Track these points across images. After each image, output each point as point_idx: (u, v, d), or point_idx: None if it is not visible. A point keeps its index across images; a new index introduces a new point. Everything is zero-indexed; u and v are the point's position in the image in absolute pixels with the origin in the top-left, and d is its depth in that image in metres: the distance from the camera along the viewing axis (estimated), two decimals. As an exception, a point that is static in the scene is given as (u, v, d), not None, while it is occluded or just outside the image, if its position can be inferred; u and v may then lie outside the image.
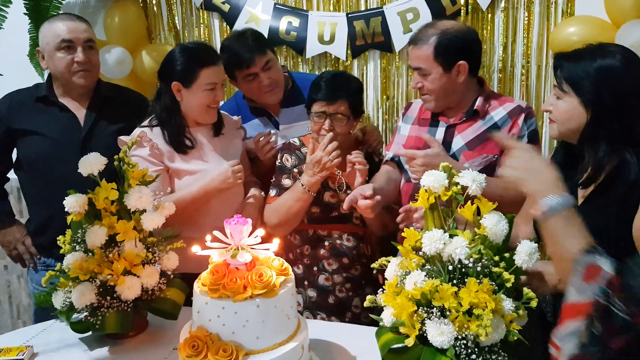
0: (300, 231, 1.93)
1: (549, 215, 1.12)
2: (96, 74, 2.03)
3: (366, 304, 1.32)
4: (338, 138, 1.80)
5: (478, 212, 1.20)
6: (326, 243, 1.91)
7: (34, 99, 2.00)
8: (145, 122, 1.88)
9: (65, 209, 1.48)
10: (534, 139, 1.75)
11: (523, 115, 1.73)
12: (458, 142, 1.78)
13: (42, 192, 2.00)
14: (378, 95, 2.49)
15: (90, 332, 1.48)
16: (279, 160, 1.97)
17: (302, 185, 1.82)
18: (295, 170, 1.92)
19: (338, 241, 1.91)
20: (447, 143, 1.79)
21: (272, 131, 2.10)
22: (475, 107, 1.76)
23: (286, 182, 1.93)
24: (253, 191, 1.98)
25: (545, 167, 1.17)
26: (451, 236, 1.18)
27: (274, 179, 1.95)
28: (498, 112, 1.76)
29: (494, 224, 1.16)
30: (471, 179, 1.18)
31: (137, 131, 1.85)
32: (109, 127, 2.00)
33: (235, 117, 2.06)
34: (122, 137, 1.81)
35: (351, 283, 1.90)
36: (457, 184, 1.20)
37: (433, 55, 1.69)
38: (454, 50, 1.69)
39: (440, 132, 1.82)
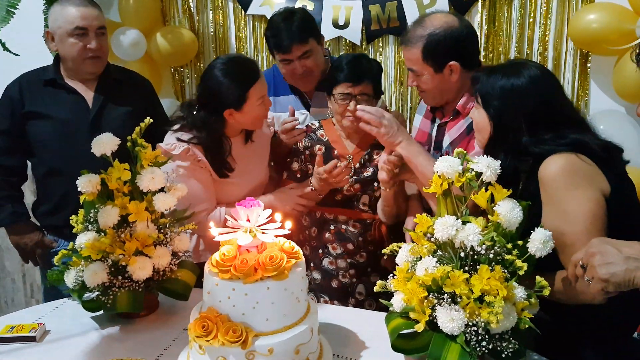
0: (310, 213, 1.94)
1: None
2: (106, 60, 2.03)
3: (376, 289, 1.32)
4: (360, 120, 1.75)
5: (492, 199, 1.19)
6: (332, 227, 1.91)
7: (43, 82, 2.00)
8: (180, 134, 1.76)
9: (78, 189, 1.49)
10: None
11: None
12: (446, 140, 1.75)
13: (52, 174, 2.02)
14: (391, 81, 2.46)
15: (101, 311, 1.50)
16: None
17: (312, 188, 1.85)
18: (307, 152, 1.93)
19: (343, 226, 1.91)
20: (438, 142, 1.78)
21: (302, 113, 2.09)
22: (456, 107, 1.71)
23: (294, 165, 1.94)
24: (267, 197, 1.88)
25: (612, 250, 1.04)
26: (464, 223, 1.17)
27: (289, 159, 1.96)
28: None
29: (507, 211, 1.14)
30: (486, 165, 1.16)
31: (172, 139, 1.76)
32: (117, 109, 2.01)
33: (269, 116, 2.01)
34: (162, 145, 1.73)
35: (355, 269, 1.91)
36: (471, 170, 1.19)
37: (422, 57, 1.65)
38: (443, 51, 1.63)
39: (435, 130, 1.82)
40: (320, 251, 1.93)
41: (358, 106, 1.75)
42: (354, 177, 1.88)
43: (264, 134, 1.97)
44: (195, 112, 1.77)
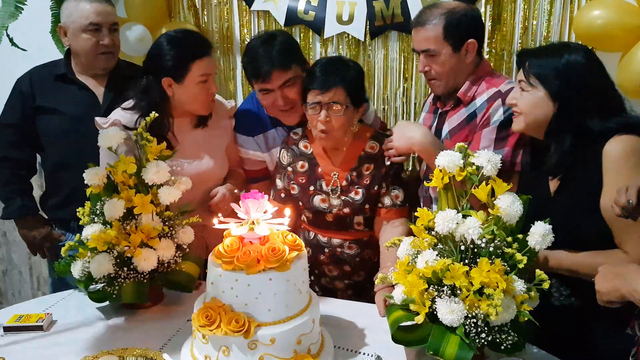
0: (303, 231, 1.83)
1: None
2: (117, 56, 2.05)
3: (377, 281, 1.34)
4: (335, 132, 1.63)
5: (492, 193, 1.20)
6: (326, 250, 1.76)
7: (53, 77, 2.01)
8: (128, 109, 1.74)
9: (85, 182, 1.51)
10: (504, 123, 1.59)
11: (499, 100, 1.62)
12: (445, 129, 1.73)
13: (61, 168, 2.03)
14: (395, 77, 2.47)
15: (107, 302, 1.52)
16: (279, 155, 1.82)
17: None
18: (290, 169, 1.77)
19: (339, 249, 1.76)
20: (439, 131, 1.76)
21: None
22: (457, 94, 1.70)
23: (278, 182, 1.82)
24: (221, 189, 1.81)
25: (633, 267, 1.09)
26: (464, 216, 1.18)
27: (276, 175, 1.84)
28: (481, 98, 1.67)
29: (508, 204, 1.16)
30: (486, 159, 1.17)
31: (117, 115, 1.73)
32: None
33: (228, 104, 1.92)
34: (98, 119, 1.73)
35: (353, 289, 1.81)
36: (472, 164, 1.20)
37: (443, 35, 1.63)
38: (464, 28, 1.64)
39: (436, 119, 1.79)
40: (317, 271, 1.82)
41: (386, 147, 1.64)
42: (342, 199, 1.71)
43: (226, 122, 1.89)
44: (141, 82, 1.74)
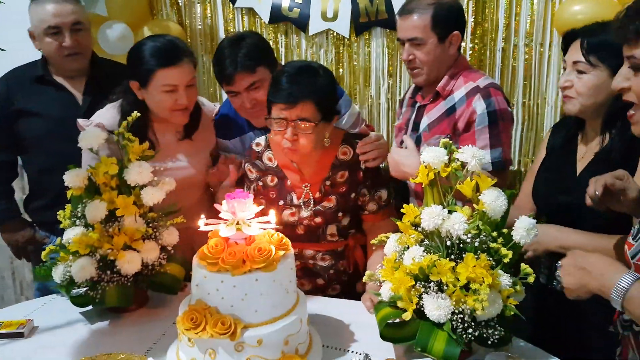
0: None
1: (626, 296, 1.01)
2: (88, 55, 1.99)
3: (365, 279, 1.33)
4: (303, 150, 1.49)
5: (477, 189, 1.20)
6: (297, 262, 1.61)
7: (32, 79, 1.97)
8: (109, 109, 1.74)
9: (65, 184, 1.48)
10: (493, 119, 1.61)
11: (478, 96, 1.62)
12: (424, 123, 1.74)
13: (45, 171, 1.99)
14: (380, 74, 2.47)
15: (90, 306, 1.49)
16: (244, 168, 1.72)
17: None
18: (260, 183, 1.66)
19: (311, 261, 1.65)
20: (417, 124, 1.77)
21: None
22: (436, 88, 1.71)
23: None
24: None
25: (596, 260, 1.06)
26: (450, 212, 1.18)
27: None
28: (460, 92, 1.68)
29: (492, 200, 1.16)
30: (471, 154, 1.17)
31: (98, 117, 1.72)
32: (106, 103, 1.91)
33: (213, 107, 1.91)
34: (80, 121, 1.70)
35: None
36: (456, 160, 1.20)
37: (431, 24, 1.64)
38: (451, 20, 1.67)
39: (415, 112, 1.80)
40: None
41: (360, 148, 1.53)
42: (314, 209, 1.60)
43: (205, 131, 1.86)
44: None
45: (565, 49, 1.44)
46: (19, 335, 1.42)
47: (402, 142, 1.58)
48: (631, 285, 0.96)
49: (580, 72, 1.36)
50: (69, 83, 1.99)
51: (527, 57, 2.30)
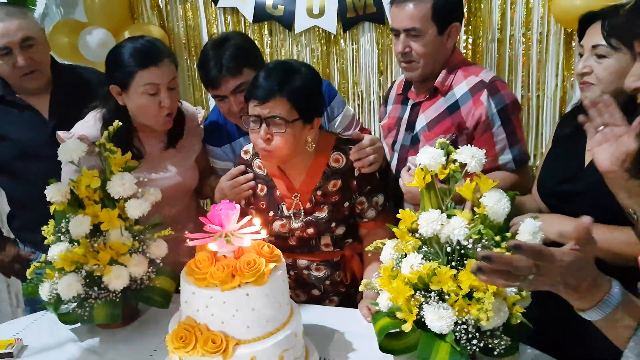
0: None
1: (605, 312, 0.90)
2: (46, 70, 1.85)
3: (361, 288, 1.28)
4: (278, 152, 1.41)
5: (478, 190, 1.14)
6: (290, 272, 1.58)
7: None
8: (90, 119, 1.66)
9: (48, 199, 1.42)
10: (506, 117, 1.55)
11: (485, 92, 1.54)
12: (421, 122, 1.65)
13: (21, 191, 1.92)
14: (369, 71, 2.40)
15: (79, 323, 1.44)
16: None
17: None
18: (251, 192, 1.59)
19: (305, 271, 1.59)
20: (411, 123, 1.67)
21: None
22: (434, 84, 1.62)
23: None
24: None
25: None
26: (449, 216, 1.12)
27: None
28: (460, 88, 1.59)
29: (494, 202, 1.10)
30: (470, 155, 1.11)
31: (79, 128, 1.65)
32: (78, 114, 1.78)
33: (197, 113, 1.83)
34: (61, 133, 1.63)
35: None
36: (455, 161, 1.14)
37: (430, 13, 1.55)
38: (451, 10, 1.58)
39: (408, 110, 1.70)
40: None
41: (354, 153, 1.45)
42: (305, 220, 1.53)
43: (195, 131, 1.80)
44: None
45: (581, 33, 1.37)
46: (8, 355, 1.38)
47: (409, 168, 1.43)
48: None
49: (600, 56, 1.28)
50: (33, 100, 1.85)
51: (524, 47, 2.24)
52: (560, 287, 0.84)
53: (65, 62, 2.10)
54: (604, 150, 1.05)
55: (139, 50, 1.59)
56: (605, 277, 0.87)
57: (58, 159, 1.45)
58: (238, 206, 1.17)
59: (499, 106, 1.54)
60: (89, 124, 1.65)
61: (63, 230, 1.44)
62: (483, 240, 1.09)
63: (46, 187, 1.43)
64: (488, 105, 1.54)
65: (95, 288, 1.40)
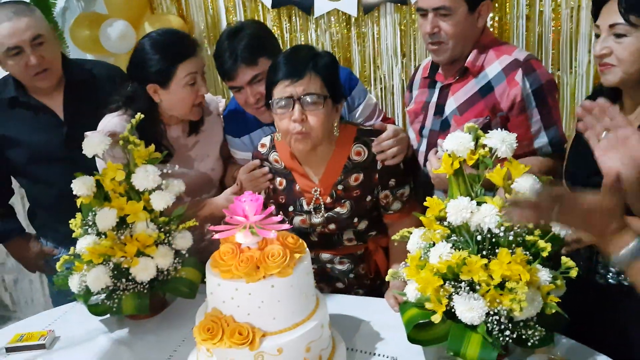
0: None
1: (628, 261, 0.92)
2: (57, 68, 1.82)
3: (388, 278, 1.25)
4: (314, 134, 1.36)
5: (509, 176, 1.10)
6: (314, 266, 1.50)
7: (4, 102, 1.83)
8: (115, 117, 1.64)
9: (70, 200, 1.43)
10: (541, 98, 1.48)
11: (520, 71, 1.47)
12: (450, 105, 1.58)
13: (40, 191, 1.92)
14: (392, 53, 2.34)
15: (108, 314, 1.47)
16: None
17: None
18: (271, 186, 1.57)
19: (328, 265, 1.57)
20: (440, 106, 1.60)
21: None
22: (465, 64, 1.54)
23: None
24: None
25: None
26: (479, 204, 1.08)
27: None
28: (493, 68, 1.52)
29: (527, 188, 1.05)
30: (500, 139, 1.07)
31: (107, 123, 1.64)
32: (92, 111, 1.75)
33: (218, 102, 1.82)
34: (89, 133, 1.57)
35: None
36: (484, 146, 1.09)
37: None
38: None
39: (436, 94, 1.63)
40: None
41: (377, 146, 1.41)
42: (326, 216, 1.50)
43: (216, 121, 1.79)
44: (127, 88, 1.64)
45: (595, 12, 1.29)
46: (41, 347, 1.41)
47: (436, 151, 1.37)
48: None
49: (618, 35, 1.20)
50: (46, 99, 1.83)
51: (554, 23, 2.14)
52: (587, 230, 0.91)
53: (74, 58, 2.07)
54: (611, 158, 0.98)
55: (175, 45, 1.59)
56: (631, 228, 0.90)
57: (83, 152, 1.45)
58: (262, 197, 1.15)
59: (535, 86, 1.47)
60: (116, 121, 1.63)
61: (90, 223, 1.46)
62: (515, 228, 1.05)
63: (65, 188, 1.43)
64: (523, 85, 1.47)
65: (123, 280, 1.41)
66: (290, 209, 1.54)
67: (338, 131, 1.45)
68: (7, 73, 1.84)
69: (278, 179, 1.55)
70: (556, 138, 1.51)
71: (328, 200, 1.49)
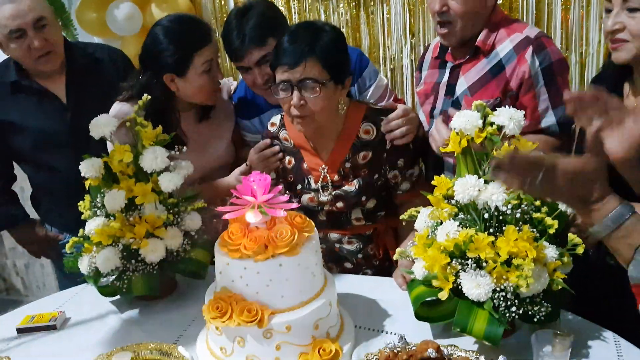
0: None
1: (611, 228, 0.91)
2: (60, 51, 1.79)
3: (395, 257, 1.26)
4: (315, 117, 1.38)
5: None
6: (322, 246, 1.54)
7: (6, 86, 1.81)
8: (124, 103, 1.63)
9: (74, 185, 1.43)
10: (550, 76, 1.45)
11: (530, 49, 1.44)
12: (461, 85, 1.55)
13: (44, 179, 1.92)
14: (400, 33, 2.31)
15: (119, 296, 1.48)
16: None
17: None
18: (280, 165, 1.59)
19: (336, 245, 1.57)
20: (451, 87, 1.58)
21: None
22: (476, 43, 1.51)
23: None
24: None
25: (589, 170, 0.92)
26: (486, 182, 1.08)
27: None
28: (504, 47, 1.48)
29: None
30: (508, 117, 1.06)
31: (118, 110, 1.63)
32: (95, 94, 1.77)
33: (229, 84, 1.82)
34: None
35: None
36: (492, 124, 1.09)
37: None
38: None
39: (447, 74, 1.60)
40: None
41: (386, 125, 1.40)
42: (334, 194, 1.50)
43: (224, 110, 1.79)
44: (139, 77, 1.63)
45: None
46: (52, 327, 1.42)
47: (445, 120, 1.38)
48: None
49: (632, 9, 1.17)
50: (49, 83, 1.80)
51: (563, 1, 2.10)
52: (569, 197, 0.89)
53: (76, 42, 2.07)
54: (609, 138, 0.95)
55: (189, 33, 1.58)
56: (615, 195, 0.89)
57: (87, 137, 1.45)
58: (269, 177, 1.16)
59: (544, 64, 1.44)
60: (125, 107, 1.63)
61: (99, 205, 1.47)
62: (522, 206, 1.05)
63: (69, 173, 1.44)
64: (532, 63, 1.44)
65: (133, 261, 1.42)
66: (299, 187, 1.55)
67: (344, 109, 1.45)
68: (8, 57, 1.82)
69: (287, 158, 1.57)
70: (564, 118, 1.49)
71: (336, 177, 1.49)
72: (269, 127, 1.61)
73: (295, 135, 1.53)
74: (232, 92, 1.84)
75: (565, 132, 1.49)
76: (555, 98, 1.47)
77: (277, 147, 1.58)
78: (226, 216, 1.15)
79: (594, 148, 0.89)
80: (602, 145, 0.89)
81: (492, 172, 0.88)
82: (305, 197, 1.54)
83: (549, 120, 1.49)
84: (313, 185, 1.52)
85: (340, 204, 1.51)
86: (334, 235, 1.57)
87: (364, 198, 1.50)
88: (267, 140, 1.59)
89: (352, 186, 1.49)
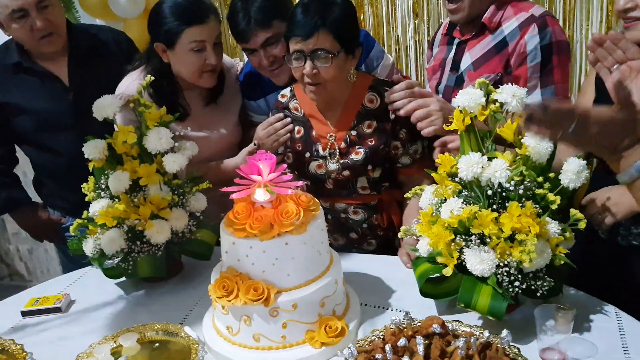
0: None
1: (635, 177, 0.93)
2: (62, 32, 1.77)
3: (400, 235, 1.27)
4: (327, 85, 1.43)
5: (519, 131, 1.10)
6: (328, 216, 1.60)
7: (7, 68, 1.78)
8: (135, 76, 1.66)
9: (77, 168, 1.43)
10: (546, 56, 1.44)
11: (533, 26, 1.43)
12: (466, 61, 1.55)
13: (47, 162, 1.91)
14: (405, 13, 2.30)
15: (124, 278, 1.49)
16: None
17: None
18: (288, 135, 1.62)
19: (342, 215, 1.61)
20: (457, 63, 1.58)
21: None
22: (482, 20, 1.51)
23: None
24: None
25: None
26: (490, 159, 1.09)
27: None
28: (510, 24, 1.48)
29: (537, 142, 1.05)
30: (511, 94, 1.06)
31: (125, 87, 1.64)
32: (98, 76, 1.76)
33: (234, 64, 1.83)
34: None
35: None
36: (495, 101, 1.09)
37: None
38: None
39: (453, 50, 1.60)
40: None
41: (389, 96, 1.43)
42: (341, 162, 1.54)
43: (231, 91, 1.79)
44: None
45: None
46: (57, 310, 1.43)
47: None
48: None
49: None
50: (51, 65, 1.79)
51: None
52: (599, 146, 0.92)
53: (78, 23, 2.05)
54: (624, 89, 0.95)
55: (185, 8, 1.58)
56: None
57: (90, 119, 1.44)
58: (274, 157, 1.16)
59: (544, 42, 1.43)
60: (132, 84, 1.63)
61: (103, 186, 1.47)
62: (525, 182, 1.06)
63: (73, 155, 1.44)
64: (532, 38, 1.43)
65: (138, 242, 1.43)
66: (307, 155, 1.58)
67: (355, 77, 1.51)
68: (9, 38, 1.81)
69: (296, 127, 1.60)
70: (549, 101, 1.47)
71: (343, 145, 1.53)
72: (279, 98, 1.63)
73: (306, 103, 1.57)
74: (238, 73, 1.84)
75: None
76: (546, 77, 1.46)
77: (288, 119, 1.61)
78: (233, 196, 1.16)
79: (622, 98, 0.89)
80: (630, 96, 0.90)
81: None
82: (314, 165, 1.57)
83: (534, 98, 1.47)
84: (321, 152, 1.56)
85: (346, 172, 1.55)
86: (340, 205, 1.61)
87: (369, 167, 1.54)
88: (280, 114, 1.62)
89: (358, 155, 1.53)
